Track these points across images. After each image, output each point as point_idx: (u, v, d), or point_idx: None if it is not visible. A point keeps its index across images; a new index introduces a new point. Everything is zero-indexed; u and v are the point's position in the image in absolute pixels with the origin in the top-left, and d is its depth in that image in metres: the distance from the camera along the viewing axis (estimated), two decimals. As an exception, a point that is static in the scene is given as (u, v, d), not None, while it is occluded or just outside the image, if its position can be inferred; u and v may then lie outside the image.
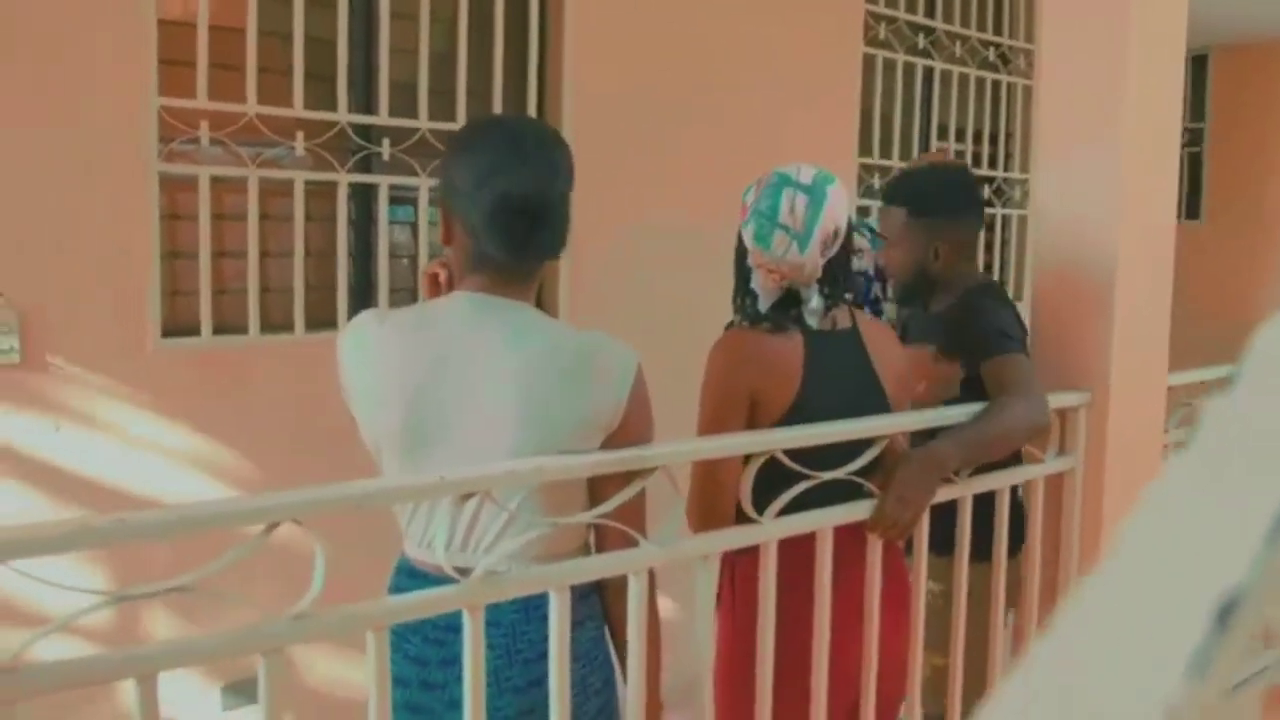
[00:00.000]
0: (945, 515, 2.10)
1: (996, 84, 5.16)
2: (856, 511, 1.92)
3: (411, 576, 1.63)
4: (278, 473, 3.05)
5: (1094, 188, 2.38)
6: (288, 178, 3.10)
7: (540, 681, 1.52)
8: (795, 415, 1.97)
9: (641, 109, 3.68)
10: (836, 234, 2.05)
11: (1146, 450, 2.55)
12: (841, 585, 1.89)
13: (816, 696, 1.86)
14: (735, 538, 1.75)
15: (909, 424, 2.05)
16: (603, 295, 3.63)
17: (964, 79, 5.00)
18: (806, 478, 1.81)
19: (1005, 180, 5.27)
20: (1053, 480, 2.38)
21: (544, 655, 1.50)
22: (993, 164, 5.22)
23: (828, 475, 1.86)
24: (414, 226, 3.42)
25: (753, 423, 2.00)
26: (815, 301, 2.07)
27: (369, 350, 1.60)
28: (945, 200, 2.43)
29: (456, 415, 1.59)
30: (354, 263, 3.30)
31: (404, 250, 3.45)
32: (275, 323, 3.15)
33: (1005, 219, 5.28)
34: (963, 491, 2.13)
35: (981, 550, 2.23)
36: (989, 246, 5.21)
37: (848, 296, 2.16)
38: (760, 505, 1.76)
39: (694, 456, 1.68)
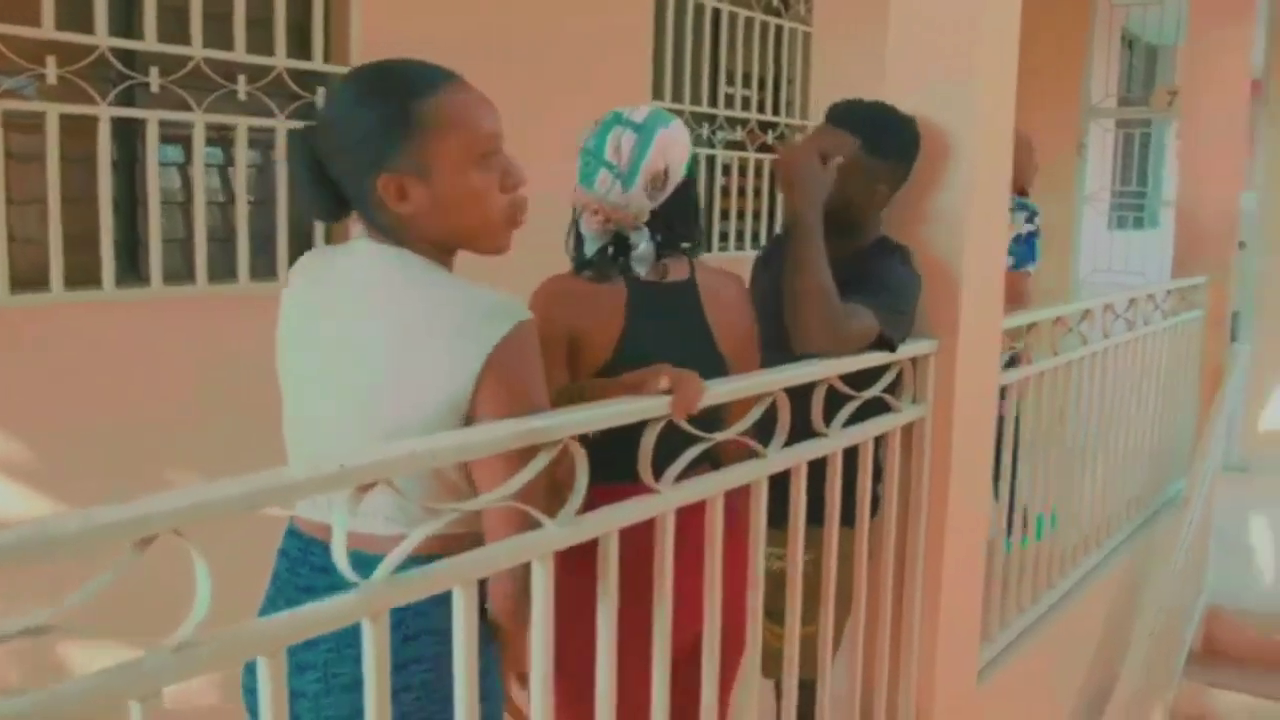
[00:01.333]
0: (815, 485, 2.03)
1: (779, 29, 5.15)
2: (748, 474, 1.82)
3: (294, 536, 1.52)
4: (44, 460, 2.66)
5: (945, 147, 2.34)
6: (36, 111, 2.67)
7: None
8: (616, 367, 1.87)
9: (431, 51, 3.40)
10: (667, 175, 1.95)
11: (986, 394, 2.57)
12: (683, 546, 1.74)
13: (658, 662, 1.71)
14: (636, 510, 1.60)
15: (805, 375, 1.95)
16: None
17: (749, 23, 4.96)
18: (696, 440, 1.69)
19: (787, 126, 5.29)
20: (904, 431, 2.36)
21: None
22: (775, 110, 5.22)
23: (721, 436, 1.74)
24: (185, 170, 3.04)
25: (574, 371, 1.92)
26: (643, 247, 1.97)
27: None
28: (904, 144, 2.32)
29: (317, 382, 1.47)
30: (118, 211, 2.89)
31: (175, 197, 3.06)
32: (27, 281, 2.72)
33: (786, 165, 5.31)
34: (832, 446, 2.07)
35: (847, 516, 2.19)
36: (769, 193, 5.22)
37: (685, 245, 2.05)
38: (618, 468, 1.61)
39: (607, 423, 1.50)
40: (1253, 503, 5.71)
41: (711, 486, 1.73)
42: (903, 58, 2.42)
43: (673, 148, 1.97)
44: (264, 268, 3.15)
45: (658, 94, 4.46)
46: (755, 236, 5.14)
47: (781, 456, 1.89)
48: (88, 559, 0.96)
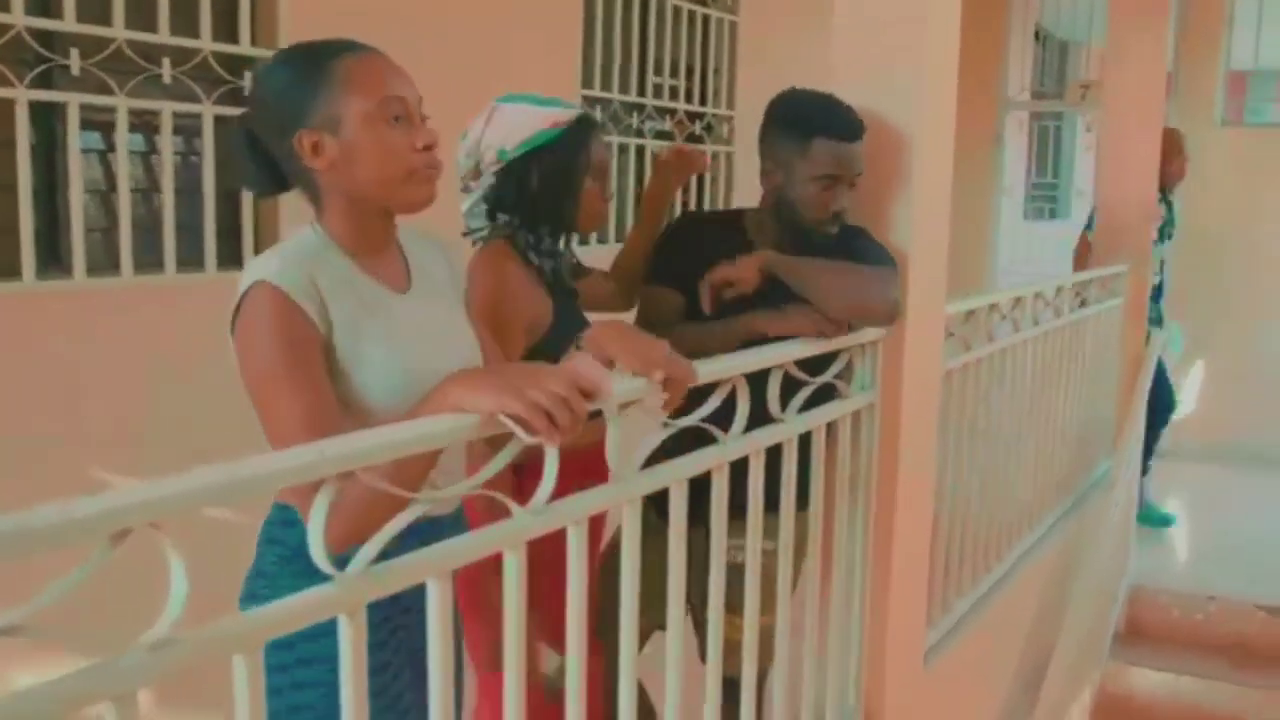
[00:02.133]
0: (772, 473, 2.03)
1: (706, 19, 5.14)
2: (705, 460, 1.80)
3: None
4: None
5: (892, 139, 2.35)
6: (-52, 94, 2.55)
7: None
8: (551, 344, 1.98)
9: (359, 34, 3.34)
10: (489, 148, 2.10)
11: (932, 380, 2.59)
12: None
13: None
14: (602, 496, 1.56)
15: (762, 361, 1.93)
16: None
17: (677, 12, 4.94)
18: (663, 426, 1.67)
19: (714, 116, 5.28)
20: (854, 417, 2.36)
21: None
22: (703, 100, 5.22)
23: (686, 422, 1.72)
24: (108, 157, 2.93)
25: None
26: (464, 208, 2.17)
27: None
28: (787, 122, 2.31)
29: None
30: (38, 199, 2.77)
31: (98, 185, 2.94)
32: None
33: (714, 156, 5.31)
34: (789, 431, 2.06)
35: (802, 502, 2.19)
36: (697, 183, 5.22)
37: (503, 222, 2.15)
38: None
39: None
40: (1167, 486, 5.87)
41: (676, 473, 1.71)
42: (849, 53, 2.43)
43: (505, 124, 2.10)
44: (191, 258, 3.05)
45: (587, 83, 4.42)
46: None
47: (739, 444, 1.88)
48: (51, 556, 0.90)
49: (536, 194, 2.12)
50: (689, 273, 2.22)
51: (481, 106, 2.15)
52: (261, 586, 1.52)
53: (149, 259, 2.97)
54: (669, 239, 2.36)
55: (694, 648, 2.11)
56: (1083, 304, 4.26)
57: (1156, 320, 5.26)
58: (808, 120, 2.24)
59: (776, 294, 2.15)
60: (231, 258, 3.14)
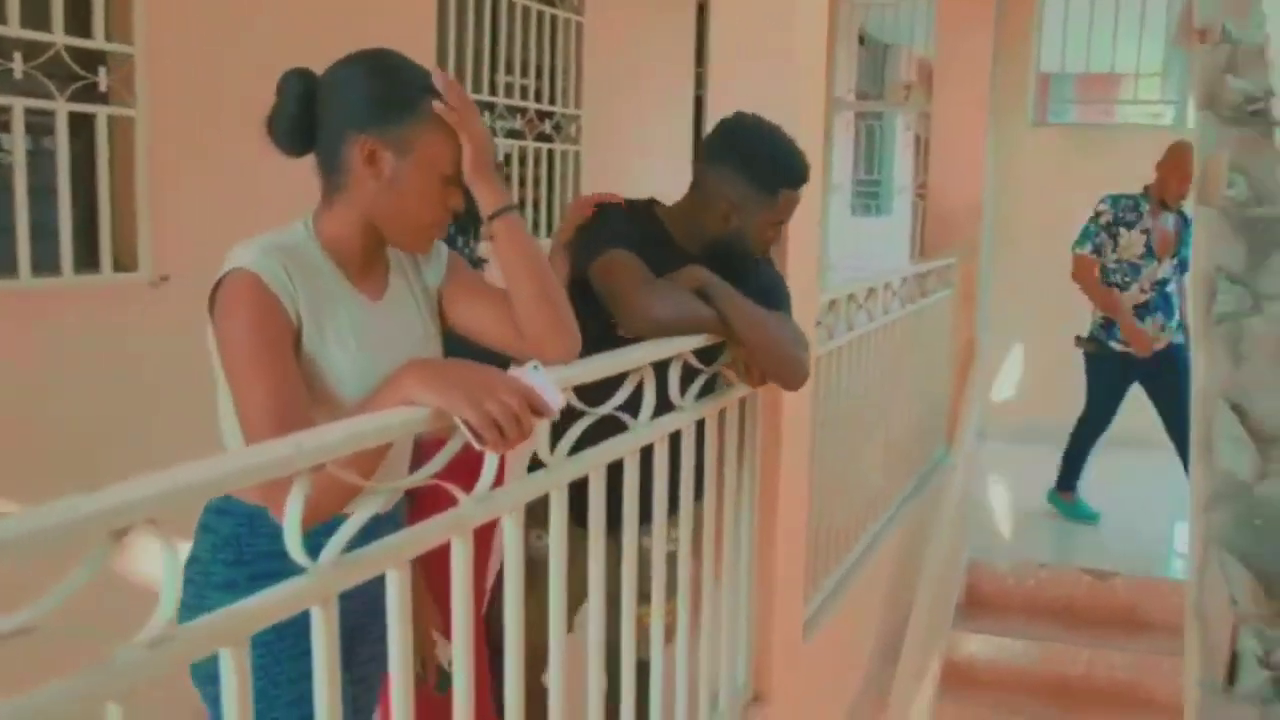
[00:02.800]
0: (671, 475, 2.10)
1: (554, 18, 5.19)
2: (620, 447, 1.86)
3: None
4: None
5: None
6: None
7: None
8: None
9: (213, 32, 3.27)
10: None
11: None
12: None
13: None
14: (533, 485, 1.61)
15: (665, 351, 2.00)
16: (187, 194, 3.24)
17: (526, 12, 4.97)
18: (582, 414, 1.72)
19: (563, 115, 5.34)
20: (739, 405, 2.45)
21: None
22: (551, 99, 5.26)
23: (604, 410, 1.78)
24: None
25: None
26: None
27: None
28: (768, 173, 2.33)
29: None
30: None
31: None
32: None
33: (563, 154, 5.36)
34: (690, 418, 2.13)
35: (699, 490, 2.26)
36: (546, 181, 5.27)
37: None
38: None
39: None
40: (989, 466, 6.23)
41: (596, 460, 1.76)
42: (724, 57, 2.52)
43: None
44: (46, 262, 2.92)
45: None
46: (535, 225, 5.17)
47: (649, 429, 1.95)
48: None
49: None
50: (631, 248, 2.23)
51: None
52: (195, 572, 1.53)
53: (2, 264, 2.84)
54: (603, 221, 2.31)
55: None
56: (922, 295, 4.50)
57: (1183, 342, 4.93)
58: (778, 174, 2.29)
59: None
60: (89, 261, 3.02)
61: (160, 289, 3.17)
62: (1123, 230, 4.99)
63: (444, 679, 1.99)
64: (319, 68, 1.55)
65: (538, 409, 1.38)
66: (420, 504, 1.68)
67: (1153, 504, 5.62)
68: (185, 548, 1.51)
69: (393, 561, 1.29)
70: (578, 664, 1.84)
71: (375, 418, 1.27)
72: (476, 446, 1.33)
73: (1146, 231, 4.99)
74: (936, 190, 5.32)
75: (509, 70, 4.93)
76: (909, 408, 4.46)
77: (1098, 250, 5.02)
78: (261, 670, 1.48)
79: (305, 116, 1.53)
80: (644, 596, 2.13)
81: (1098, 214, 5.06)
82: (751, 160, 2.27)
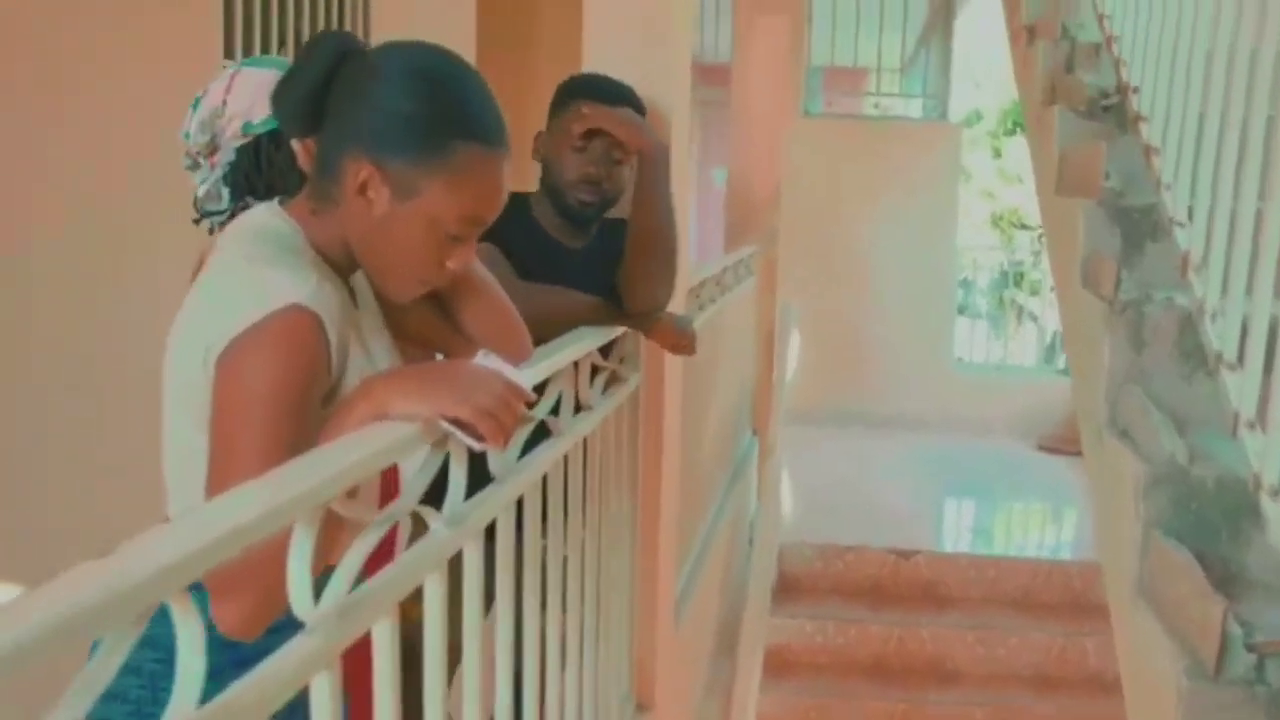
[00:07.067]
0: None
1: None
2: (552, 451, 1.69)
3: None
4: None
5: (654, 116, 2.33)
6: None
7: None
8: None
9: None
10: (232, 119, 1.84)
11: (678, 359, 2.61)
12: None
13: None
14: (491, 499, 1.42)
15: (583, 348, 1.84)
16: None
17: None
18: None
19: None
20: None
21: None
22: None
23: (540, 415, 1.61)
24: None
25: None
26: (200, 190, 1.88)
27: None
28: None
29: None
30: None
31: None
32: None
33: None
34: (599, 417, 1.99)
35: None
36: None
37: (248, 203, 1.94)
38: None
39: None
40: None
41: (545, 462, 1.61)
42: (602, 29, 2.38)
43: (239, 88, 1.82)
44: None
45: (229, 55, 4.03)
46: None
47: (572, 432, 1.79)
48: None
49: (287, 170, 1.89)
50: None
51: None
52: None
53: None
54: None
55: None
56: (735, 283, 4.50)
57: None
58: (573, 87, 2.19)
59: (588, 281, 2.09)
60: None
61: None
62: None
63: None
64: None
65: (516, 393, 1.20)
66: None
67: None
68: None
69: (384, 608, 1.08)
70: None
71: (372, 439, 1.05)
72: (474, 446, 1.15)
73: None
74: (736, 180, 5.34)
75: (298, 44, 4.57)
76: (725, 397, 4.45)
77: None
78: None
79: (323, 95, 1.25)
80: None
81: None
82: (558, 92, 2.21)
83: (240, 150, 1.86)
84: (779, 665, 4.70)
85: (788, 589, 5.01)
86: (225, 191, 1.89)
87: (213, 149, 1.88)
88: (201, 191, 1.88)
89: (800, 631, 4.81)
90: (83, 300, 2.55)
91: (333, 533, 1.03)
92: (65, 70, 3.10)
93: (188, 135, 1.88)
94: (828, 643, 4.78)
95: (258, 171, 1.88)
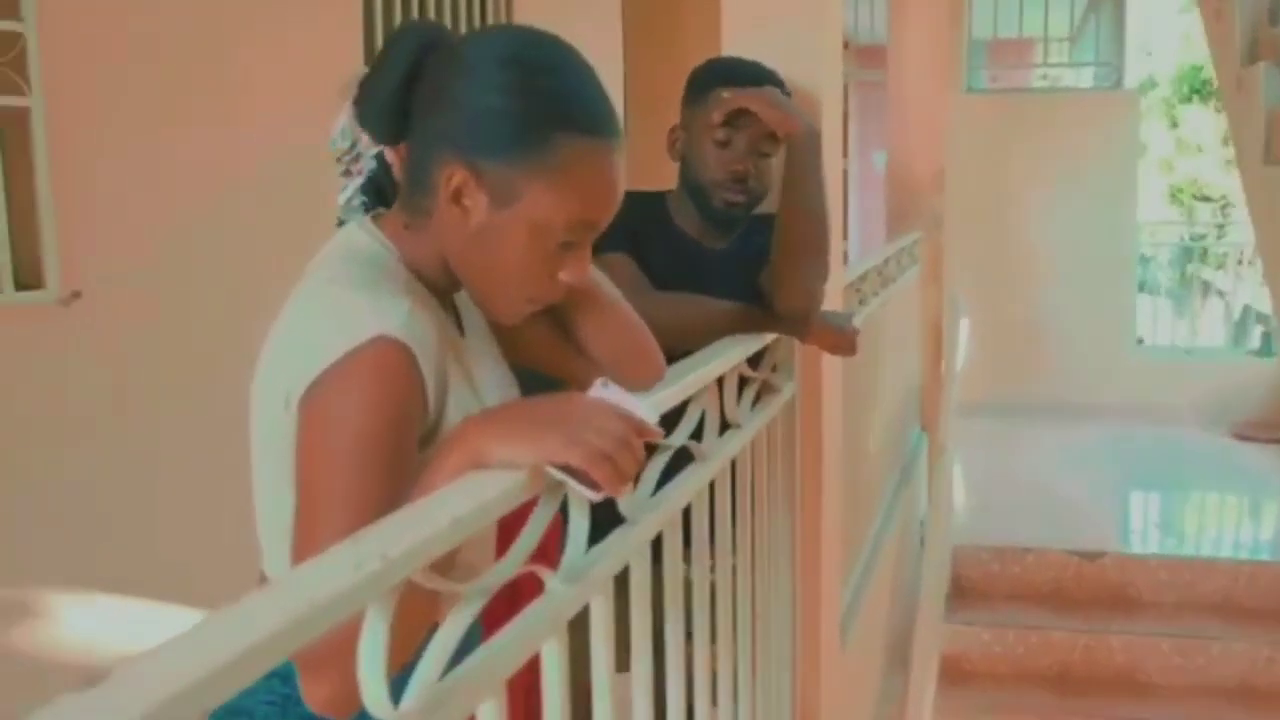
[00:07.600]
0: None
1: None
2: (694, 481, 1.52)
3: None
4: None
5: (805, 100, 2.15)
6: None
7: None
8: None
9: (144, 24, 2.86)
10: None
11: (838, 362, 2.41)
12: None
13: None
14: (618, 545, 1.26)
15: (727, 362, 1.67)
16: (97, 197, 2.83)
17: (456, -11, 4.59)
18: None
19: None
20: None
21: None
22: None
23: (678, 441, 1.44)
24: None
25: None
26: (341, 198, 1.72)
27: None
28: None
29: None
30: None
31: None
32: None
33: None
34: (749, 434, 1.81)
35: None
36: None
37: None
38: None
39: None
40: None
41: (686, 493, 1.44)
42: (742, 8, 2.20)
43: None
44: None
45: (370, 58, 4.01)
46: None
47: (719, 455, 1.62)
48: None
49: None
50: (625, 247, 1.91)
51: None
52: None
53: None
54: None
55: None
56: (899, 272, 4.24)
57: None
58: (710, 75, 1.99)
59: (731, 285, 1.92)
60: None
61: (71, 307, 2.76)
62: None
63: None
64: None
65: (639, 430, 1.03)
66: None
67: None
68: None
69: (488, 689, 0.93)
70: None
71: (461, 498, 0.90)
72: (589, 496, 0.99)
73: None
74: (895, 161, 5.06)
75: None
76: (890, 395, 4.20)
77: None
78: None
79: (407, 95, 1.12)
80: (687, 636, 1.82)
81: None
82: (691, 81, 2.01)
83: (378, 157, 1.77)
84: (955, 676, 4.42)
85: (963, 594, 4.71)
86: (360, 201, 1.81)
87: (355, 156, 1.79)
88: (343, 199, 1.80)
89: (977, 639, 4.51)
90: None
91: (422, 605, 0.89)
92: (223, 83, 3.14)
93: (334, 143, 1.80)
94: (1007, 652, 4.48)
95: (390, 180, 1.78)
